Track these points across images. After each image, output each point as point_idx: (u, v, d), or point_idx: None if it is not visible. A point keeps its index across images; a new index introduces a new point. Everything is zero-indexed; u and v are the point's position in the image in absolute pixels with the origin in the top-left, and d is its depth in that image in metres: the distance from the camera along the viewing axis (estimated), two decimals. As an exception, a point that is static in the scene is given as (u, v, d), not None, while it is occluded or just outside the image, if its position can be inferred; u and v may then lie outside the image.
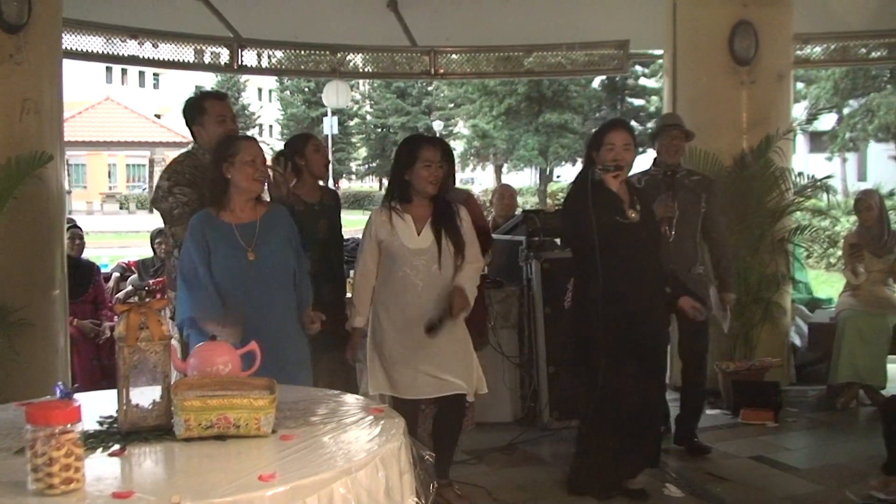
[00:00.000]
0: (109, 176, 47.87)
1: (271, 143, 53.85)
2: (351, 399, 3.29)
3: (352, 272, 4.95)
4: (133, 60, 9.07)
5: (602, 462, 5.04)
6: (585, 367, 5.12)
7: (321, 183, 5.62)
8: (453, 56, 10.18)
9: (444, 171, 4.79)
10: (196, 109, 4.79)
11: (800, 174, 7.26)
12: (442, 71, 10.20)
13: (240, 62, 9.48)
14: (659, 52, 10.43)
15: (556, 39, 9.87)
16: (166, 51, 9.19)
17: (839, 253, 16.96)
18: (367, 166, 48.75)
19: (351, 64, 10.26)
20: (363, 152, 48.52)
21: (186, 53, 9.34)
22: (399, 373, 4.70)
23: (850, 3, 8.75)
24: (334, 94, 12.99)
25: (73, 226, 7.22)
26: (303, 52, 9.94)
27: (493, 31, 9.61)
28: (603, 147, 4.90)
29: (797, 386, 7.60)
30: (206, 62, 9.72)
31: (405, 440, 2.80)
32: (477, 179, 49.59)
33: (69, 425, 2.26)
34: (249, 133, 50.85)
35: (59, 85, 5.71)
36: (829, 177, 7.41)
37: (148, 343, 2.80)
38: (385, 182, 50.71)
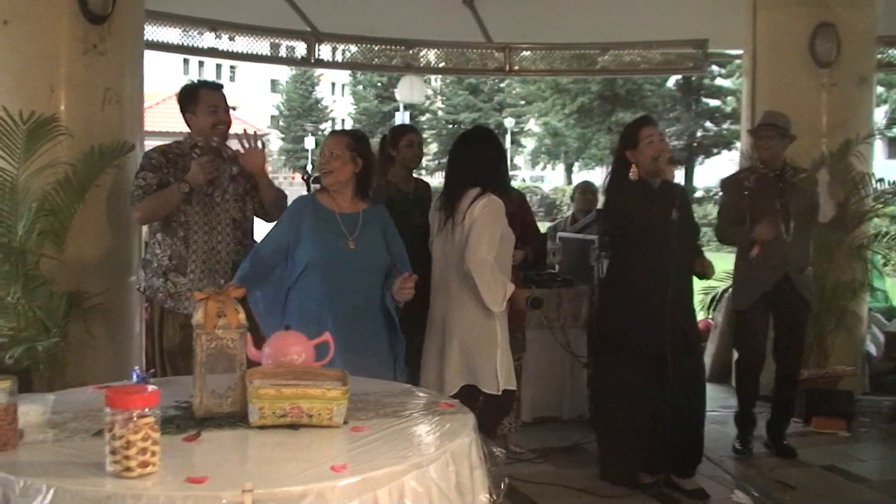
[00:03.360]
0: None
1: (343, 137, 54.38)
2: (421, 393, 3.30)
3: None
4: (212, 53, 9.20)
5: (616, 452, 5.21)
6: (602, 356, 5.36)
7: (415, 174, 6.00)
8: (527, 53, 10.14)
9: None
10: (189, 97, 4.82)
11: (880, 180, 7.09)
12: (516, 68, 10.17)
13: (316, 56, 9.55)
14: (735, 51, 10.29)
15: (633, 37, 9.79)
16: (244, 44, 9.30)
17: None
18: (437, 162, 48.83)
19: (424, 59, 10.28)
20: (434, 148, 48.61)
21: (264, 47, 9.44)
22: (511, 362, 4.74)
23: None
24: (408, 90, 13.00)
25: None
26: (377, 47, 10.00)
27: (569, 28, 9.56)
28: (641, 143, 4.96)
29: (871, 396, 7.44)
30: (283, 55, 9.83)
31: (475, 436, 2.79)
32: (546, 178, 49.43)
33: (147, 410, 2.30)
34: (322, 127, 51.53)
35: (140, 75, 5.78)
36: (907, 183, 7.23)
37: (225, 331, 2.85)
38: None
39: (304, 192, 4.75)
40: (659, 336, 4.92)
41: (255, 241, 4.84)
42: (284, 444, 2.63)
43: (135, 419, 2.27)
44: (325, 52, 9.70)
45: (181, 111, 4.87)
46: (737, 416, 6.12)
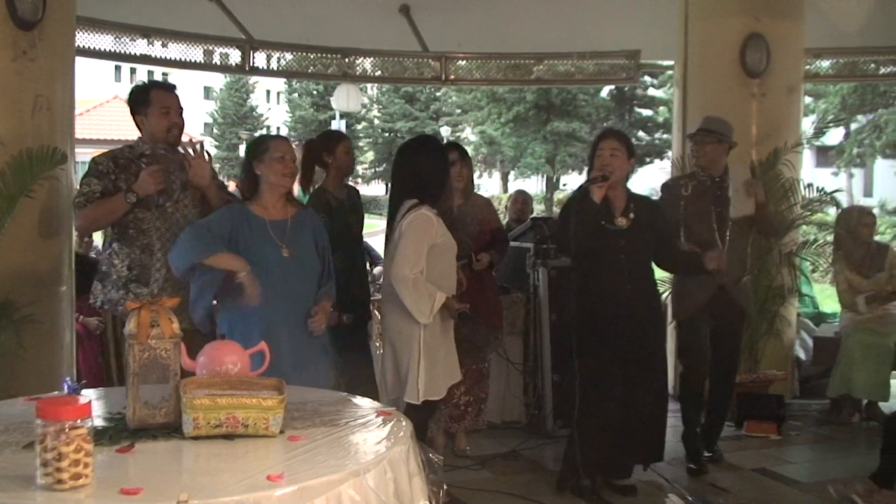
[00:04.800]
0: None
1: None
2: (359, 401, 3.30)
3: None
4: (144, 59, 9.08)
5: (587, 463, 5.09)
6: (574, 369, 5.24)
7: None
8: (462, 62, 10.18)
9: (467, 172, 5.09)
10: (140, 99, 4.64)
11: (809, 185, 7.25)
12: (452, 77, 10.20)
13: (251, 64, 9.48)
14: (668, 62, 10.45)
15: (567, 48, 9.88)
16: (177, 51, 9.20)
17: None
18: (373, 170, 48.73)
19: (360, 68, 10.26)
20: (370, 156, 48.50)
21: (197, 54, 9.34)
22: (444, 374, 4.73)
23: (861, 18, 8.74)
24: (344, 98, 12.93)
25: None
26: (312, 56, 9.96)
27: (505, 38, 9.63)
28: (596, 154, 5.09)
29: (800, 399, 7.59)
30: (217, 63, 9.74)
31: (413, 443, 2.80)
32: (483, 186, 49.57)
33: (79, 421, 2.26)
34: (257, 135, 51.14)
35: (72, 82, 5.69)
36: (837, 190, 7.38)
37: (158, 341, 2.80)
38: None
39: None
40: (613, 342, 5.00)
41: None
42: (220, 454, 2.61)
43: (67, 430, 2.23)
44: (259, 59, 9.63)
45: (132, 113, 4.68)
46: (685, 436, 5.90)
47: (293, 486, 2.29)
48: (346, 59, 10.02)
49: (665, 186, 6.15)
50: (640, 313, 5.11)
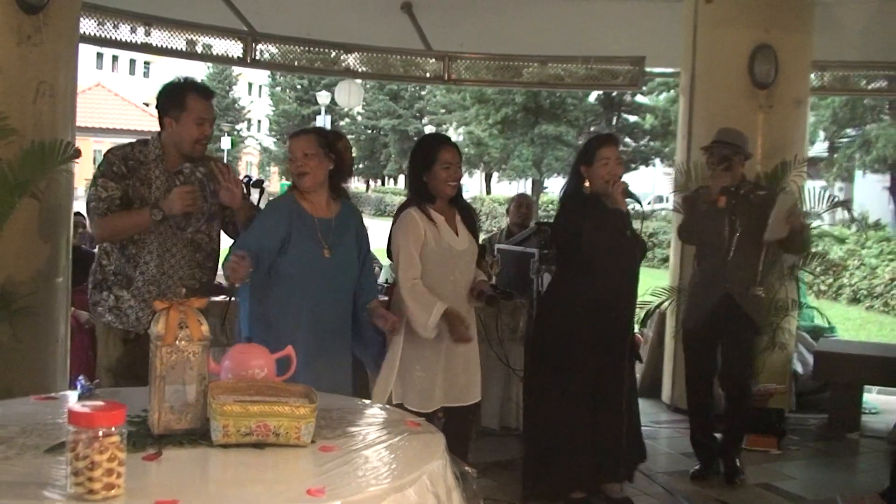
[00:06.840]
0: (94, 162, 47.43)
1: (260, 138, 53.71)
2: (385, 410, 3.21)
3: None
4: (145, 48, 8.95)
5: (542, 469, 5.12)
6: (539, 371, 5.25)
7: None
8: (464, 62, 10.06)
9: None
10: (175, 101, 4.25)
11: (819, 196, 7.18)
12: (455, 77, 10.08)
13: (252, 56, 9.33)
14: (668, 70, 10.41)
15: (570, 52, 9.81)
16: (172, 40, 9.00)
17: (830, 280, 16.92)
18: (355, 167, 48.61)
19: (355, 63, 10.09)
20: (352, 153, 48.45)
21: (194, 44, 9.20)
22: (448, 382, 4.64)
23: (855, 33, 8.74)
24: (346, 94, 12.89)
25: (77, 213, 7.05)
26: (304, 49, 9.78)
27: (507, 40, 9.55)
28: (597, 162, 4.96)
29: (796, 413, 7.54)
30: (217, 54, 9.58)
31: (448, 456, 2.70)
32: (465, 187, 49.49)
33: (113, 428, 2.14)
34: (238, 127, 50.77)
35: (75, 69, 5.58)
36: (848, 200, 7.34)
37: (187, 343, 2.68)
38: (372, 183, 50.78)
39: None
40: (599, 354, 4.94)
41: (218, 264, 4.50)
42: (250, 463, 2.50)
43: (100, 438, 2.12)
44: (258, 52, 9.48)
45: (160, 111, 4.32)
46: (691, 439, 5.97)
47: (336, 502, 2.18)
48: (343, 55, 9.87)
49: (686, 198, 6.19)
50: (625, 321, 5.13)
